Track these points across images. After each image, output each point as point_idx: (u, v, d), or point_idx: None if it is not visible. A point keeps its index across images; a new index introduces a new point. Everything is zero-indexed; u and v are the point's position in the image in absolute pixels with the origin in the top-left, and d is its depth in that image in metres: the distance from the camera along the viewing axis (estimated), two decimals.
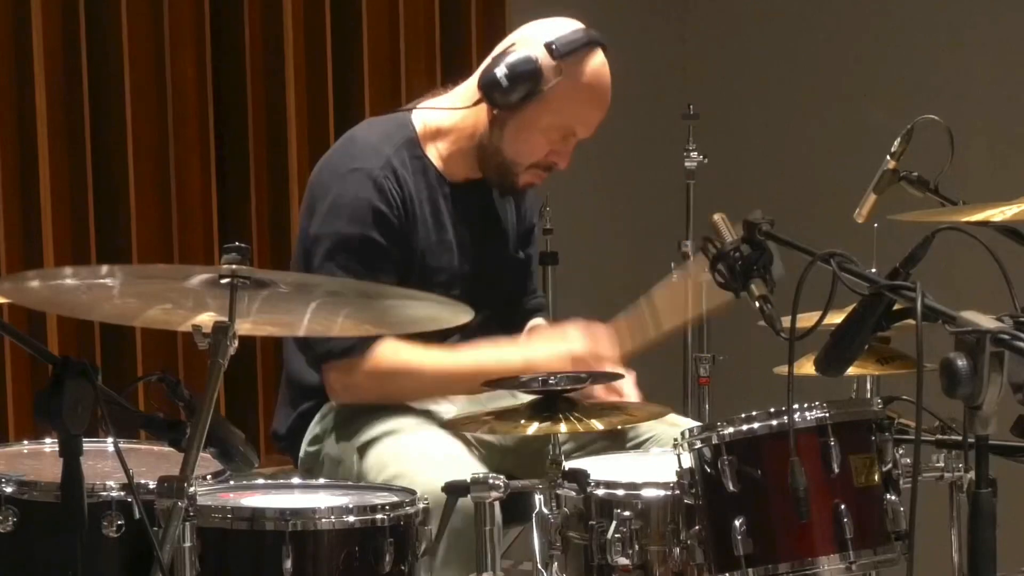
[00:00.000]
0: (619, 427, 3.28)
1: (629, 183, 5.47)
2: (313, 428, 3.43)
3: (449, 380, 3.34)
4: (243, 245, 2.41)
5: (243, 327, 2.42)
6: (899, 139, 3.27)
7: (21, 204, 4.34)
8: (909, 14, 5.15)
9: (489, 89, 3.36)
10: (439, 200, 3.42)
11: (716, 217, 2.73)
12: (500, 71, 3.34)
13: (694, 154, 4.53)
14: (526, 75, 3.33)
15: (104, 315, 2.71)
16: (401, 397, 3.37)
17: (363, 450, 3.31)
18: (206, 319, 2.42)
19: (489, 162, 3.42)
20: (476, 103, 3.39)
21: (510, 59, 3.34)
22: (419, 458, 3.20)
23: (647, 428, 3.36)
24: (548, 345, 3.35)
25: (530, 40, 3.37)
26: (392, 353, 3.29)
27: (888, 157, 3.29)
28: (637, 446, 3.37)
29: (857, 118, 5.15)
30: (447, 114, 3.44)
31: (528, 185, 3.48)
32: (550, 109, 3.35)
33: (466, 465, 3.18)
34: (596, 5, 5.37)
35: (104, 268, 2.59)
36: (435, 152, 3.44)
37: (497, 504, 2.81)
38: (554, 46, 3.33)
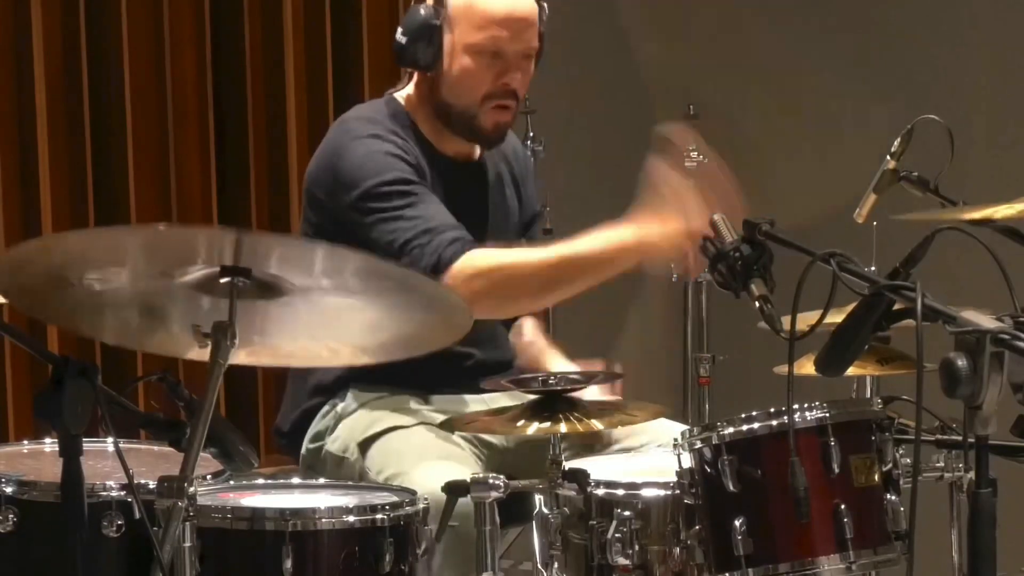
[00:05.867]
0: (618, 427, 3.28)
1: (629, 183, 5.47)
2: (315, 425, 3.43)
3: (557, 265, 3.16)
4: None
5: (239, 356, 2.41)
6: (899, 139, 3.27)
7: (21, 203, 4.34)
8: (910, 14, 5.14)
9: (403, 59, 3.39)
10: (433, 171, 3.40)
11: (716, 217, 2.74)
12: (399, 37, 3.37)
13: (694, 154, 4.53)
14: (419, 25, 3.35)
15: (109, 335, 2.69)
16: (511, 294, 3.24)
17: (364, 447, 3.31)
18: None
19: (451, 122, 3.41)
20: (412, 76, 3.44)
21: (403, 20, 3.38)
22: (420, 456, 3.20)
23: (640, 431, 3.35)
24: (661, 222, 3.16)
25: None
26: (484, 253, 3.21)
27: (888, 157, 3.29)
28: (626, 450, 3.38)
29: (857, 118, 5.14)
30: (416, 94, 3.46)
31: (500, 126, 3.42)
32: (460, 38, 3.35)
33: (467, 463, 3.18)
34: (597, 5, 5.39)
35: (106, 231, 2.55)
36: (424, 125, 3.45)
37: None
38: None
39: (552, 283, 3.22)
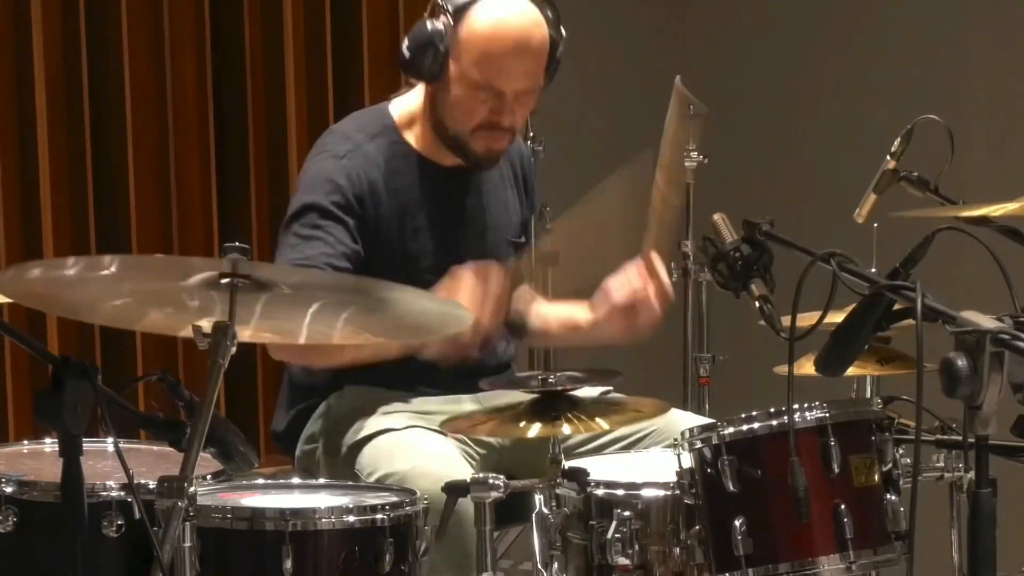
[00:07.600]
0: (621, 426, 3.27)
1: None
2: (309, 427, 3.42)
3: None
4: (243, 245, 2.41)
5: (243, 334, 2.41)
6: (899, 139, 3.27)
7: (21, 203, 4.34)
8: (909, 14, 5.14)
9: (405, 68, 3.35)
10: (422, 186, 3.38)
11: (716, 217, 2.74)
12: (404, 47, 3.32)
13: (694, 154, 4.53)
14: (424, 43, 3.29)
15: (105, 317, 2.69)
16: (322, 352, 3.27)
17: (356, 449, 3.30)
18: (207, 324, 2.42)
19: (444, 138, 3.38)
20: (415, 84, 3.40)
21: (411, 32, 3.32)
22: (412, 458, 3.19)
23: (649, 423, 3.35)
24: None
25: (431, 7, 3.33)
26: None
27: (888, 157, 3.29)
28: (638, 441, 3.37)
29: (857, 118, 5.15)
30: (415, 101, 3.43)
31: (492, 152, 3.38)
32: (461, 69, 3.29)
33: (459, 466, 3.17)
34: (596, 5, 5.39)
35: (106, 258, 2.58)
36: (416, 138, 3.42)
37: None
38: (443, 4, 3.29)
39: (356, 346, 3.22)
